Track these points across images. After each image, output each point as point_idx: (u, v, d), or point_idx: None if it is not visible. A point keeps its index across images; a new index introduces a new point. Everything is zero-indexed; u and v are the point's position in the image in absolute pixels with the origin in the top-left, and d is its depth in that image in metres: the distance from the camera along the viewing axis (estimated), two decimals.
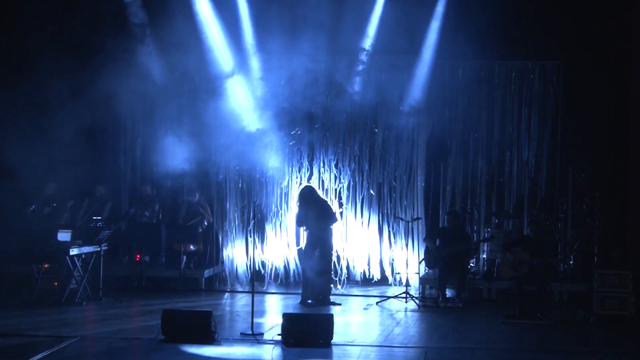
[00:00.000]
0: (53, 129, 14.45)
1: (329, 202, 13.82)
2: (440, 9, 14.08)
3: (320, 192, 13.91)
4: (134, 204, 14.61)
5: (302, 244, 13.16)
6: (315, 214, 12.72)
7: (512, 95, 14.71)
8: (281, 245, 14.73)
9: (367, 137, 14.76)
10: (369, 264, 14.75)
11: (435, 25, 14.12)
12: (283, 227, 14.78)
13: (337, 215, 13.76)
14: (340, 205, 14.70)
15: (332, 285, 13.23)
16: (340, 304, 12.74)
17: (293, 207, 14.37)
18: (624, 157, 13.85)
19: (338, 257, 14.45)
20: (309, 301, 12.70)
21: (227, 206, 14.84)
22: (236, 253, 14.79)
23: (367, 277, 14.72)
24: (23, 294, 12.50)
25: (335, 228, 13.40)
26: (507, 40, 14.27)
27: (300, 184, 14.64)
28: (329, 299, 12.77)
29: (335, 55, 14.17)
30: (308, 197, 12.92)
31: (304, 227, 12.92)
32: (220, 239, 14.78)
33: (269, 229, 14.77)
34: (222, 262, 14.77)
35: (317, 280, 12.64)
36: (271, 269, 14.70)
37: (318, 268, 12.63)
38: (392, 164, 14.76)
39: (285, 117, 14.46)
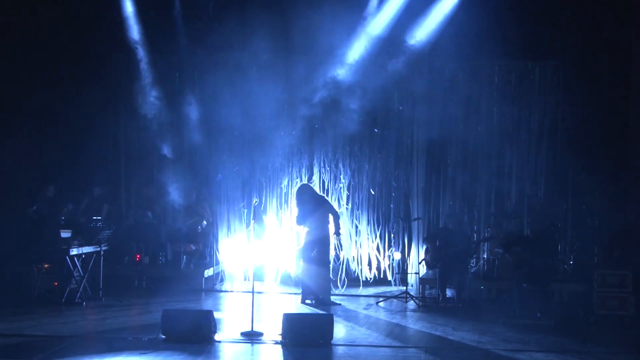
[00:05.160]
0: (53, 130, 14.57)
1: (326, 199, 13.82)
2: (440, 9, 14.08)
3: (317, 189, 13.90)
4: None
5: (302, 243, 13.15)
6: (315, 211, 12.74)
7: (512, 95, 14.71)
8: (281, 244, 14.72)
9: (367, 137, 14.76)
10: (369, 264, 14.75)
11: (435, 25, 14.13)
12: (283, 227, 14.78)
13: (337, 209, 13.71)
14: (340, 205, 14.72)
15: (331, 285, 13.21)
16: (340, 304, 12.75)
17: (293, 208, 14.36)
18: (624, 157, 13.85)
19: (337, 257, 14.48)
20: (309, 300, 12.73)
21: (227, 206, 14.84)
22: (236, 253, 14.78)
23: (367, 277, 14.72)
24: (23, 294, 12.49)
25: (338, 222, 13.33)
26: (507, 40, 14.27)
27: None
28: (329, 298, 12.77)
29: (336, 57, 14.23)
30: (306, 195, 12.92)
31: (304, 226, 12.91)
32: (220, 238, 14.77)
33: (269, 228, 14.78)
34: (222, 262, 14.76)
35: (316, 279, 12.64)
36: (271, 269, 14.70)
37: (316, 267, 12.64)
38: (392, 164, 14.76)
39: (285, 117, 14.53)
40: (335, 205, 14.22)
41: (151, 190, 15.01)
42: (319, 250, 12.69)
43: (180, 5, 14.56)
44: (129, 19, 14.48)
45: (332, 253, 13.39)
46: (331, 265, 13.26)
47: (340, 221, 13.16)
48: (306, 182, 14.36)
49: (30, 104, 14.63)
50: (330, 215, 12.84)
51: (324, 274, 12.75)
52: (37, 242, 12.33)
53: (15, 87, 14.33)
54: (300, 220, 12.91)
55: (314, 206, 12.78)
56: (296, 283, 13.81)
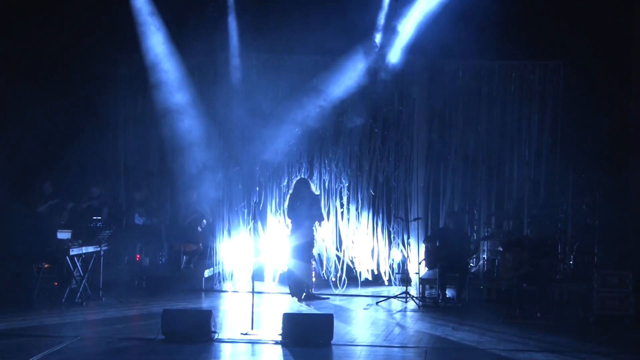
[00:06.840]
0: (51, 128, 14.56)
1: (320, 200, 13.86)
2: (440, 9, 14.07)
3: (314, 188, 13.92)
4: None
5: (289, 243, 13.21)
6: (308, 212, 12.81)
7: (512, 95, 14.72)
8: (280, 244, 14.71)
9: (367, 137, 14.76)
10: (369, 264, 14.74)
11: (434, 25, 14.11)
12: (282, 227, 14.78)
13: (324, 215, 13.75)
14: (342, 205, 14.73)
15: (313, 278, 13.21)
16: (328, 298, 12.91)
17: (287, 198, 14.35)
18: (624, 157, 13.84)
19: (336, 257, 14.50)
20: (299, 298, 12.84)
21: (227, 206, 14.83)
22: (236, 253, 14.77)
23: (367, 277, 14.71)
24: (23, 294, 12.49)
25: (324, 226, 13.40)
26: (507, 40, 14.26)
27: None
28: (312, 292, 12.91)
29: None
30: (301, 189, 13.01)
31: (292, 221, 13.01)
32: (220, 238, 14.77)
33: (268, 228, 14.78)
34: (222, 262, 14.76)
35: (303, 275, 12.80)
36: (271, 268, 14.69)
37: (301, 263, 12.79)
38: (392, 164, 14.76)
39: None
40: (337, 203, 14.31)
41: (140, 194, 15.01)
42: (304, 248, 12.85)
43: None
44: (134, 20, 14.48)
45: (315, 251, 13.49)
46: (311, 259, 13.32)
47: (322, 223, 13.36)
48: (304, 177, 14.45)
49: (31, 103, 14.62)
50: (317, 217, 13.05)
51: (304, 268, 12.87)
52: (37, 243, 12.34)
53: (14, 88, 14.33)
54: (291, 215, 13.07)
55: (308, 206, 12.89)
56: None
